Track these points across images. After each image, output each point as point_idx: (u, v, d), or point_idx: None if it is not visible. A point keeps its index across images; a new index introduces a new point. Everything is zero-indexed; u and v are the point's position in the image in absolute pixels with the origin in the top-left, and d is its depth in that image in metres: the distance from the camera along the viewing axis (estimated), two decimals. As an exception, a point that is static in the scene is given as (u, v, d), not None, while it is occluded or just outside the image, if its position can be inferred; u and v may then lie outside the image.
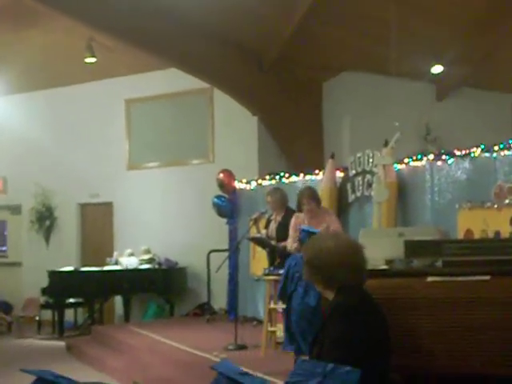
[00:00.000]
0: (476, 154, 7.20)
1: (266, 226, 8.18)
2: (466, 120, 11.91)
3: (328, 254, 3.47)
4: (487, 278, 3.68)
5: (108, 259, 13.03)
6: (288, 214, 8.10)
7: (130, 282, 12.39)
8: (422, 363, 3.65)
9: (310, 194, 7.51)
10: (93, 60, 12.05)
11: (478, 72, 11.52)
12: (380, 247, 4.13)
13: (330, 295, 3.52)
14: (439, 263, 3.91)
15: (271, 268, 7.81)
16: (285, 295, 6.72)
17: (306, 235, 7.13)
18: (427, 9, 9.76)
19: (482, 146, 7.06)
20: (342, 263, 3.45)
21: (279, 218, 8.17)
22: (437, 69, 11.40)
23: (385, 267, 4.02)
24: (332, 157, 9.34)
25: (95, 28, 10.71)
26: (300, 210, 7.58)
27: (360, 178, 8.80)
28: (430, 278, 3.75)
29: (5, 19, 10.97)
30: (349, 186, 9.04)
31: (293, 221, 7.60)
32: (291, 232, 7.56)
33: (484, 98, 12.31)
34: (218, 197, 11.30)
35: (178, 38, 10.95)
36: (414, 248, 3.90)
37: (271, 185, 10.08)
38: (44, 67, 13.16)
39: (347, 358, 3.15)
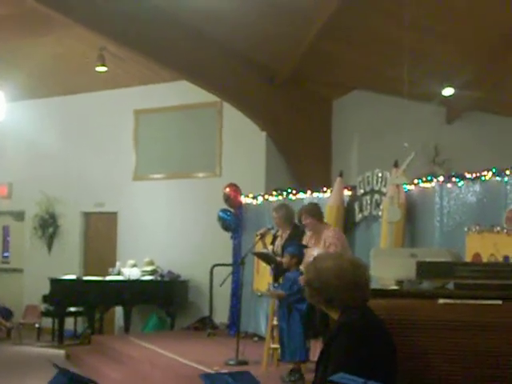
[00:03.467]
0: (487, 178, 7.16)
1: (273, 242, 8.12)
2: (475, 144, 11.87)
3: (328, 274, 3.40)
4: (499, 302, 3.62)
5: (110, 269, 13.00)
6: (294, 230, 8.04)
7: (132, 293, 12.34)
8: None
9: (308, 209, 7.50)
10: (104, 69, 12.05)
11: (489, 96, 11.50)
12: (391, 267, 4.09)
13: (334, 315, 3.46)
14: (450, 286, 3.86)
15: (275, 285, 7.75)
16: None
17: (294, 247, 7.23)
18: (441, 33, 9.77)
19: (494, 170, 7.02)
20: (342, 283, 3.37)
21: (285, 235, 8.10)
22: (448, 91, 11.39)
23: (395, 287, 3.97)
24: (340, 175, 9.30)
25: (107, 37, 10.70)
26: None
27: (368, 198, 8.75)
28: (441, 301, 3.70)
29: (18, 25, 11.00)
30: (356, 205, 8.99)
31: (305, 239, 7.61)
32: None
33: (494, 123, 12.27)
34: (224, 211, 11.26)
35: (189, 50, 10.95)
36: (426, 269, 3.84)
37: (278, 201, 10.03)
38: (55, 74, 13.18)
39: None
